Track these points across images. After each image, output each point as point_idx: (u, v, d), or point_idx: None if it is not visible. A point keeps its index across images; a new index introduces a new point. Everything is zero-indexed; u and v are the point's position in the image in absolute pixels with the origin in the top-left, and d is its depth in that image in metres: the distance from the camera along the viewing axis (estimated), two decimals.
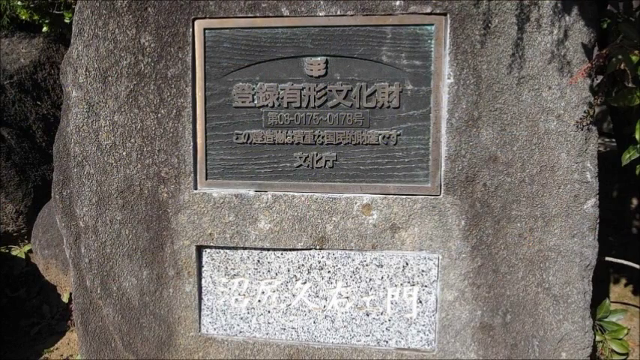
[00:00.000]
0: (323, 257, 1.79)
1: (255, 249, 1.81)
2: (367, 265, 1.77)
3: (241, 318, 1.85)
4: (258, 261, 1.82)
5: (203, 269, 1.85)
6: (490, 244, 1.69)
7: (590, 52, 1.58)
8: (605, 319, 2.05)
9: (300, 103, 1.73)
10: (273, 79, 1.73)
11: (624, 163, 1.62)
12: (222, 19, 1.72)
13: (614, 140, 2.85)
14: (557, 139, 1.62)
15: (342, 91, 1.71)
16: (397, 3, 1.64)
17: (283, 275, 1.81)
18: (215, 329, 1.86)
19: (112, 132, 1.80)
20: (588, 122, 1.59)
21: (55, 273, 2.84)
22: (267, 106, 1.74)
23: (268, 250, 1.81)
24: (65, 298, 2.73)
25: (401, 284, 1.76)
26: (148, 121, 1.78)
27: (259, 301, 1.84)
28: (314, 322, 1.82)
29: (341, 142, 1.73)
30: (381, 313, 1.78)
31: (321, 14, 1.67)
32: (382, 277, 1.77)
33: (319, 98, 1.72)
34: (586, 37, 1.58)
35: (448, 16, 1.62)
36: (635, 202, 2.61)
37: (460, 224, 1.69)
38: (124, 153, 1.81)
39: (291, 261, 1.80)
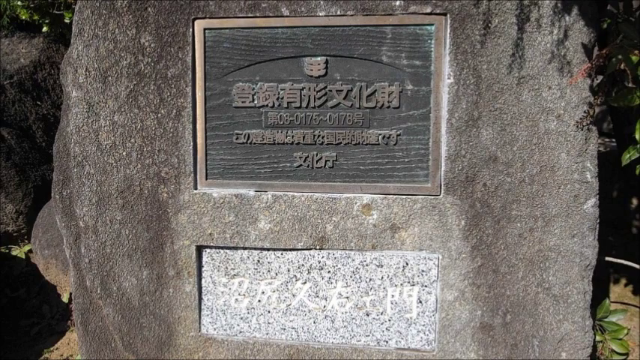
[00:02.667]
0: (323, 257, 1.79)
1: (255, 249, 1.81)
2: (367, 265, 1.77)
3: (241, 318, 1.85)
4: (258, 261, 1.82)
5: (203, 269, 1.85)
6: (490, 244, 1.69)
7: (590, 52, 1.58)
8: (605, 319, 2.05)
9: (300, 103, 1.73)
10: (273, 79, 1.73)
11: (624, 163, 1.62)
12: (222, 19, 1.72)
13: (614, 140, 2.85)
14: (557, 139, 1.62)
15: (342, 91, 1.71)
16: (397, 3, 1.64)
17: (283, 275, 1.81)
18: (215, 329, 1.86)
19: (112, 132, 1.80)
20: (588, 122, 1.59)
21: (55, 273, 2.84)
22: (267, 106, 1.75)
23: (268, 250, 1.81)
24: (65, 298, 2.73)
25: (401, 284, 1.76)
26: (148, 121, 1.78)
27: (259, 301, 1.84)
28: (314, 322, 1.82)
29: (341, 142, 1.73)
30: (381, 313, 1.78)
31: (321, 14, 1.67)
32: (382, 277, 1.77)
33: (319, 98, 1.72)
34: (586, 37, 1.58)
35: (448, 16, 1.62)
36: (635, 202, 2.61)
37: (460, 224, 1.69)
38: (124, 153, 1.81)
39: (291, 261, 1.80)
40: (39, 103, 3.36)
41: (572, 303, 1.68)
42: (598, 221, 1.66)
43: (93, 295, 1.91)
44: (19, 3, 3.11)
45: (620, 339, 2.01)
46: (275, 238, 1.77)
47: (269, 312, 1.84)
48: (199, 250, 1.83)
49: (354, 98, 1.71)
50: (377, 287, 1.78)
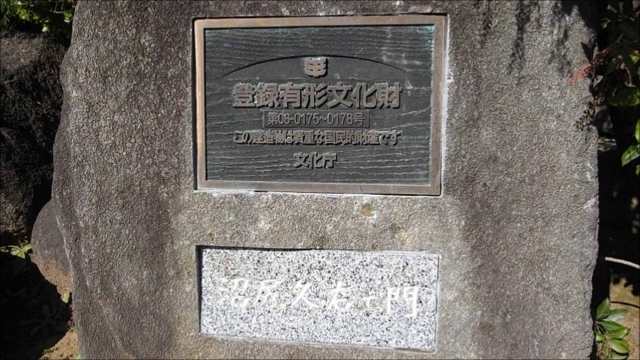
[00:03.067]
0: (323, 257, 1.79)
1: (255, 249, 1.81)
2: (367, 265, 1.77)
3: (241, 318, 1.85)
4: (258, 261, 1.82)
5: (203, 269, 1.85)
6: (490, 244, 1.69)
7: (590, 52, 1.58)
8: (605, 319, 2.05)
9: (300, 103, 1.73)
10: (273, 79, 1.73)
11: (624, 163, 1.62)
12: (222, 19, 1.72)
13: (614, 140, 2.85)
14: (557, 139, 1.62)
15: (342, 91, 1.71)
16: (397, 3, 1.64)
17: (283, 275, 1.81)
18: (215, 329, 1.86)
19: (112, 132, 1.80)
20: (588, 122, 1.59)
21: (55, 273, 2.84)
22: (267, 106, 1.75)
23: (268, 250, 1.81)
24: (65, 298, 2.73)
25: (401, 284, 1.76)
26: (148, 121, 1.78)
27: (259, 301, 1.84)
28: (314, 322, 1.82)
29: (341, 142, 1.73)
30: (381, 313, 1.78)
31: (321, 14, 1.67)
32: (382, 277, 1.77)
33: (319, 98, 1.72)
34: (586, 37, 1.58)
35: (448, 16, 1.62)
36: (635, 202, 2.61)
37: (460, 224, 1.69)
38: (124, 153, 1.81)
39: (291, 261, 1.80)
40: (39, 103, 3.36)
41: (572, 303, 1.68)
42: (598, 221, 1.66)
43: (93, 295, 1.91)
44: (19, 3, 3.11)
45: (620, 339, 2.01)
46: (275, 238, 1.77)
47: (269, 312, 1.84)
48: (199, 250, 1.83)
49: (354, 98, 1.71)
50: (377, 287, 1.78)
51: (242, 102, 1.75)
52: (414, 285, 1.76)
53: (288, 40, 1.71)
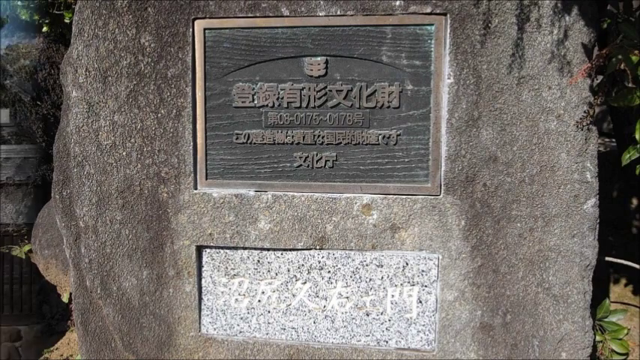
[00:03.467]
0: (323, 257, 1.79)
1: (255, 249, 1.81)
2: (367, 265, 1.77)
3: (241, 318, 1.85)
4: (258, 261, 1.82)
5: (203, 269, 1.85)
6: (490, 244, 1.69)
7: (590, 52, 1.58)
8: (605, 319, 2.05)
9: (300, 103, 1.73)
10: (273, 79, 1.73)
11: (624, 163, 1.62)
12: (222, 19, 1.72)
13: (614, 140, 2.85)
14: (557, 139, 1.62)
15: (342, 91, 1.71)
16: (397, 3, 1.64)
17: (283, 275, 1.81)
18: (215, 329, 1.86)
19: (112, 132, 1.80)
20: (588, 122, 1.59)
21: (55, 273, 2.84)
22: (267, 106, 1.74)
23: (268, 250, 1.81)
24: (65, 298, 2.73)
25: (401, 284, 1.76)
26: (148, 121, 1.78)
27: (259, 301, 1.84)
28: (314, 322, 1.82)
29: (341, 142, 1.73)
30: (381, 313, 1.78)
31: (321, 14, 1.67)
32: (382, 277, 1.77)
33: (319, 98, 1.72)
34: (586, 37, 1.58)
35: (448, 16, 1.62)
36: (635, 202, 2.61)
37: (460, 224, 1.69)
38: (124, 153, 1.81)
39: (291, 261, 1.80)
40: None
41: (572, 303, 1.68)
42: (598, 221, 1.66)
43: (93, 295, 1.91)
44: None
45: (620, 339, 2.01)
46: (275, 238, 1.77)
47: (269, 312, 1.84)
48: (199, 250, 1.83)
49: (354, 98, 1.71)
50: (377, 287, 1.78)
51: (242, 102, 1.75)
52: (414, 285, 1.76)
53: (288, 40, 1.71)
